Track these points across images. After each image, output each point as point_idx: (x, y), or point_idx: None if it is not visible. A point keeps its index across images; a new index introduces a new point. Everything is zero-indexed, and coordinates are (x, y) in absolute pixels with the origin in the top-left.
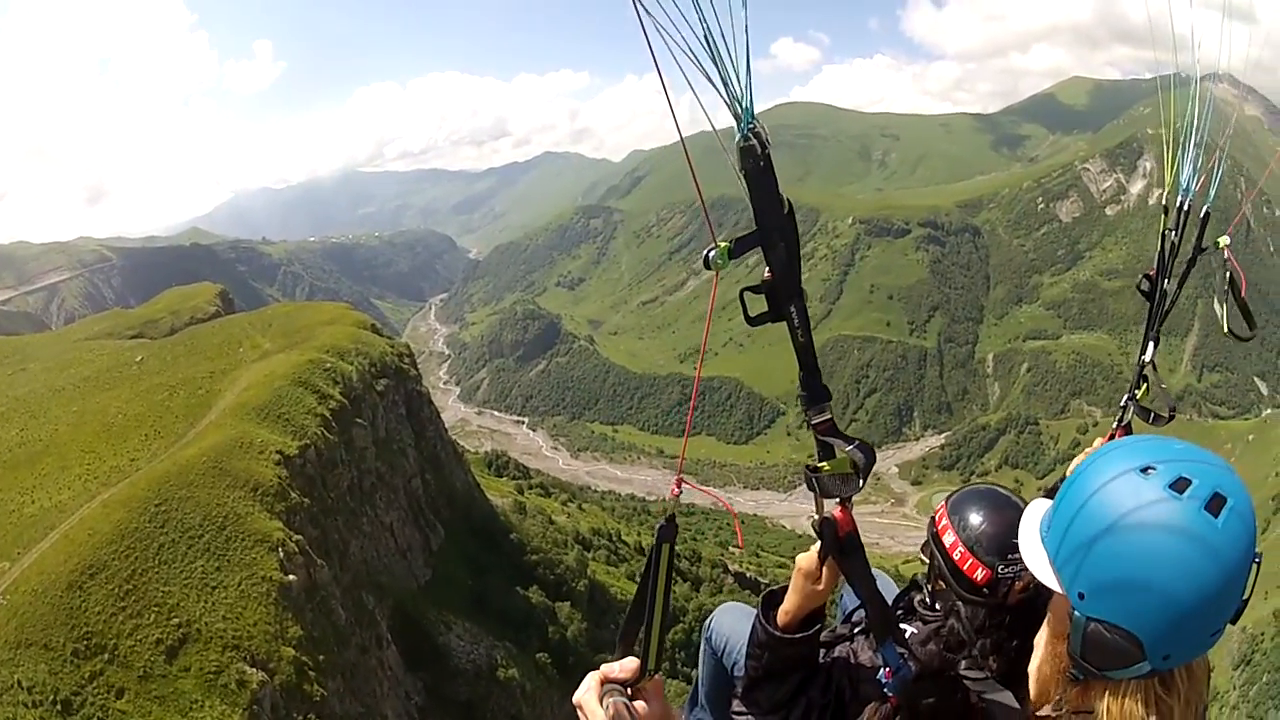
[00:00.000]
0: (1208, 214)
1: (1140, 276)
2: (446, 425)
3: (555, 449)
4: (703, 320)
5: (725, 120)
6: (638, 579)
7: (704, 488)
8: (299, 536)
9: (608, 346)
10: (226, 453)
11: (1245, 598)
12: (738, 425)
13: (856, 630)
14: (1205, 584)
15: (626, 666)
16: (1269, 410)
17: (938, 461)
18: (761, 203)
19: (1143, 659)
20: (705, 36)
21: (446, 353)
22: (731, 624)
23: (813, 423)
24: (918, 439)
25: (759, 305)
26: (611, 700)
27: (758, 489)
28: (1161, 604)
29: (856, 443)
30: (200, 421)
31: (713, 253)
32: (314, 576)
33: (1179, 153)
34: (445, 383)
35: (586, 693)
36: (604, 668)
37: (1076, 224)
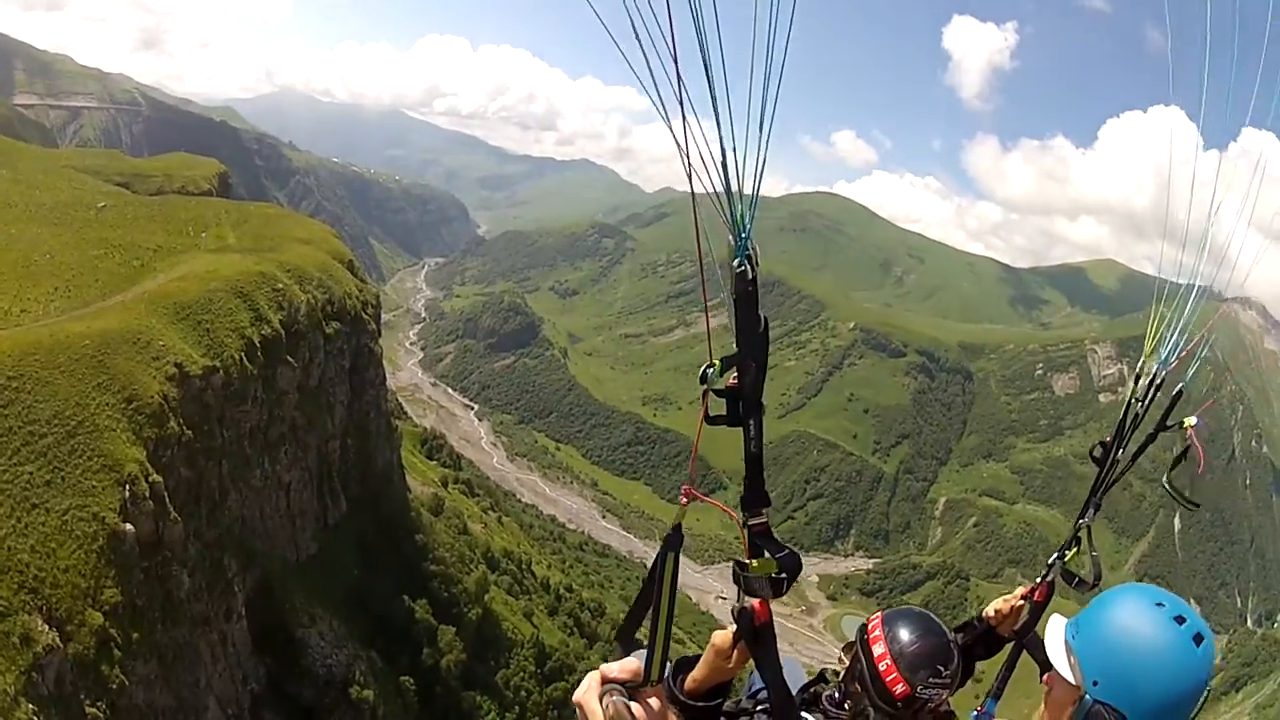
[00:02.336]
0: (1179, 393)
1: (1095, 443)
2: (398, 386)
3: (494, 445)
4: (677, 370)
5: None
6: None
7: (713, 500)
8: (157, 478)
9: (578, 365)
10: (115, 344)
11: (1200, 704)
12: (676, 485)
13: (758, 709)
14: (1181, 691)
15: (626, 667)
16: None
17: (860, 584)
18: (745, 322)
19: None
20: (722, 163)
21: (424, 316)
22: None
23: (749, 524)
24: (847, 556)
25: (717, 405)
26: (611, 700)
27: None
28: (1151, 697)
29: (786, 551)
30: (112, 295)
31: (710, 370)
32: (161, 532)
33: (1164, 325)
34: (412, 344)
35: (586, 692)
36: (603, 667)
37: (1068, 399)
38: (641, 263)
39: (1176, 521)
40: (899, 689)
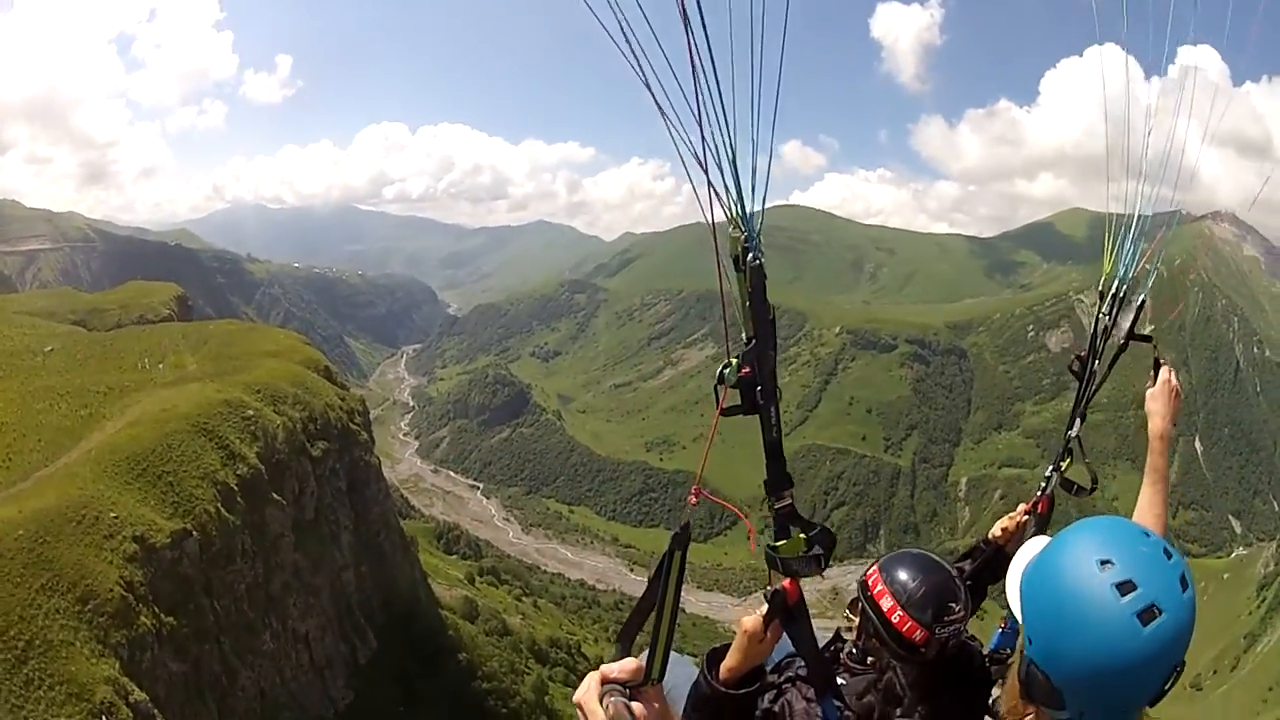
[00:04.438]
0: (1142, 303)
1: (1072, 357)
2: (399, 479)
3: (507, 520)
4: (674, 411)
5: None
6: None
7: (721, 500)
8: (140, 695)
9: (575, 424)
10: (57, 528)
11: (1165, 688)
12: (698, 523)
13: (784, 680)
14: (1113, 675)
15: (626, 666)
16: (1240, 549)
17: None
18: (759, 314)
19: (1062, 708)
20: (730, 159)
21: (412, 404)
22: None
23: (775, 507)
24: (880, 557)
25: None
26: (611, 700)
27: (711, 590)
28: (1077, 674)
29: (819, 528)
30: (56, 458)
31: (727, 369)
32: None
33: (1118, 240)
34: (405, 435)
35: (586, 693)
36: (604, 667)
37: (1065, 354)
38: (616, 311)
39: (1198, 444)
40: (917, 635)
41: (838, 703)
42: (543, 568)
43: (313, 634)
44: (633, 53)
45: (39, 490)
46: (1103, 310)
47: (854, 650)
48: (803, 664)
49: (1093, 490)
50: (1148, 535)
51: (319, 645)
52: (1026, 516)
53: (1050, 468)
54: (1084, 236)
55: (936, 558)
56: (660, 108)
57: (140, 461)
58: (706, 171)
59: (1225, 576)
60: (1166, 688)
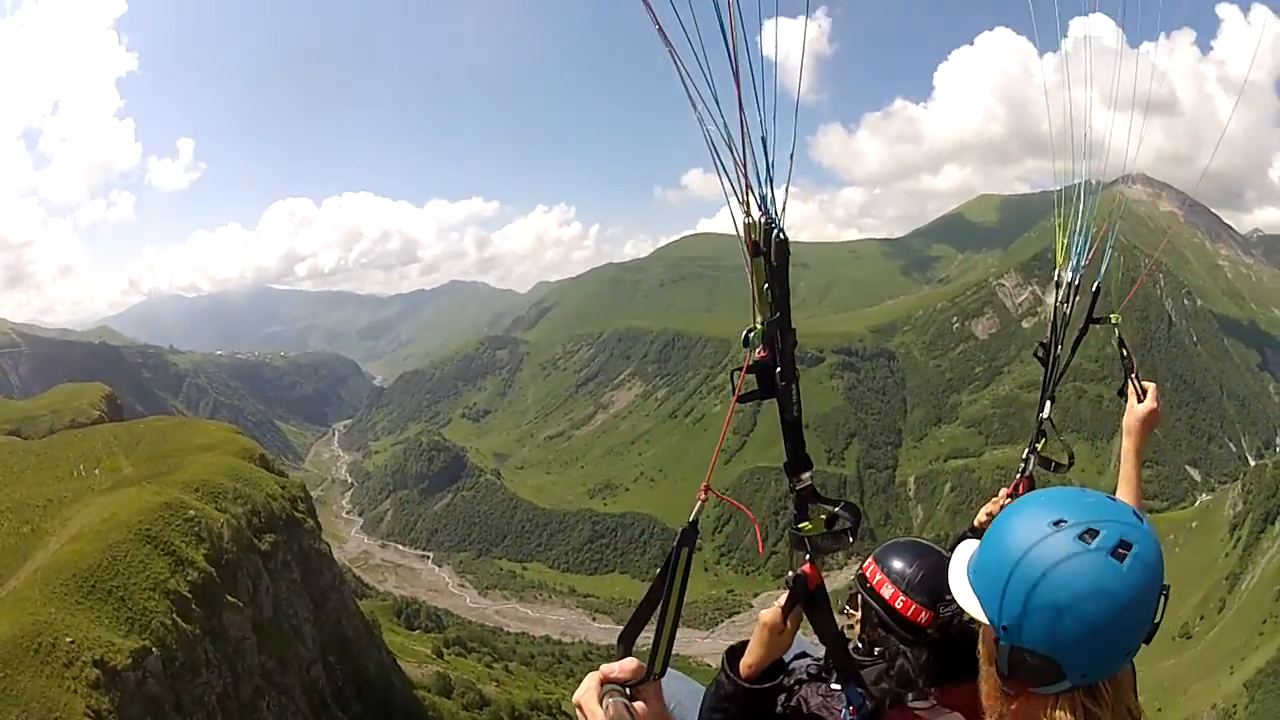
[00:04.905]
0: (1098, 288)
1: (1036, 344)
2: (349, 558)
3: (462, 586)
4: (611, 454)
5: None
6: None
7: (729, 499)
8: None
9: (514, 481)
10: (15, 659)
11: (1156, 621)
12: (651, 562)
13: (793, 682)
14: (1111, 619)
15: (626, 666)
16: (1204, 495)
17: None
18: (781, 290)
19: (1063, 678)
20: (747, 149)
21: (350, 481)
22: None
23: (796, 488)
24: (842, 568)
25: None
26: (611, 700)
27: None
28: (1075, 635)
29: (842, 504)
30: (4, 581)
31: (751, 334)
32: None
33: (1070, 232)
34: (348, 512)
35: (586, 693)
36: (604, 667)
37: (993, 340)
38: (540, 362)
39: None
40: (922, 616)
41: (860, 689)
42: (506, 629)
43: None
44: (665, 40)
45: None
46: (1059, 299)
47: (859, 645)
48: (811, 664)
49: (1070, 465)
50: (1084, 489)
51: None
52: (1009, 500)
53: (1027, 450)
54: (995, 221)
55: (927, 543)
56: (690, 94)
57: (88, 578)
58: (724, 154)
59: (1194, 525)
60: (1157, 620)
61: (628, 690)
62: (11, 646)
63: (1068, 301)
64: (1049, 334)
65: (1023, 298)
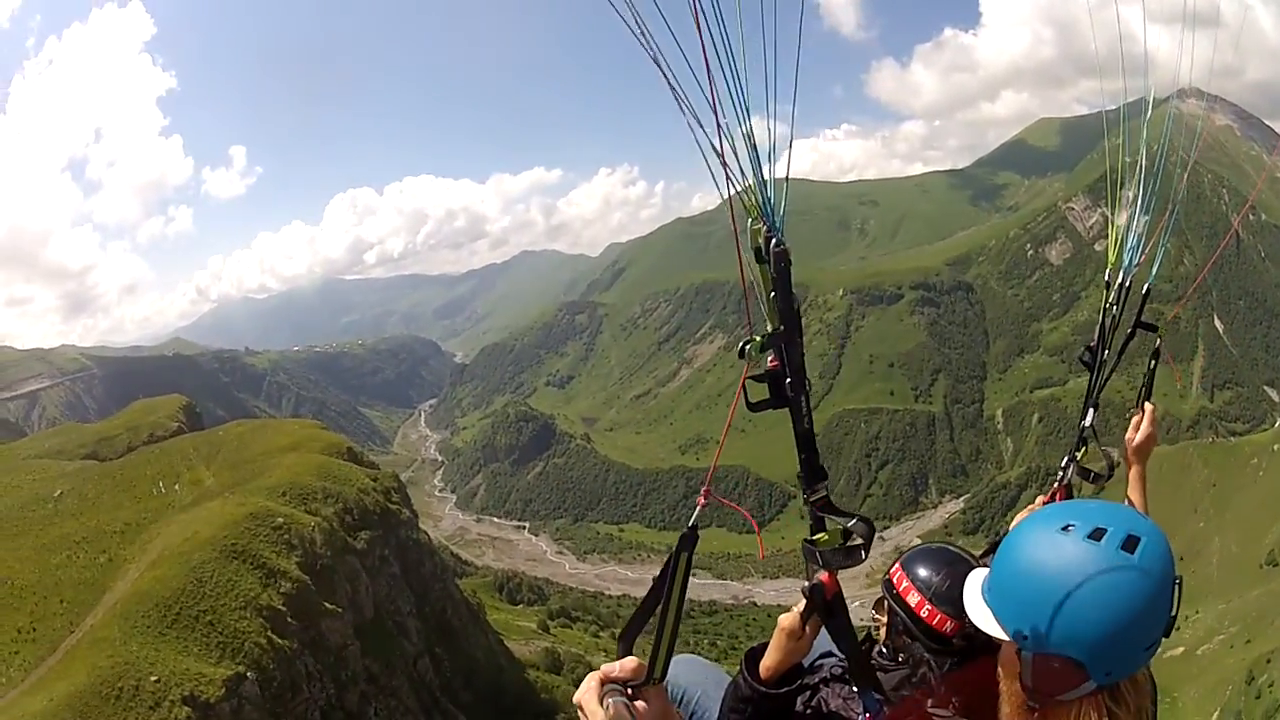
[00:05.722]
0: (1148, 290)
1: (1082, 348)
2: (445, 536)
3: (560, 553)
4: (699, 409)
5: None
6: None
7: (728, 502)
8: None
9: (605, 444)
10: (96, 710)
11: (1173, 614)
12: (744, 518)
13: (818, 680)
14: (1131, 611)
15: (626, 666)
16: None
17: (960, 527)
18: (784, 303)
19: (1088, 678)
20: (750, 149)
21: (440, 460)
22: (689, 674)
23: (810, 500)
24: (935, 506)
25: (757, 392)
26: (611, 700)
27: (778, 578)
28: (1096, 633)
29: (856, 517)
30: (81, 619)
31: (748, 346)
32: None
33: (1124, 231)
34: (441, 490)
35: (586, 693)
36: (604, 667)
37: (1068, 265)
38: (619, 323)
39: (1217, 323)
40: (947, 626)
41: (878, 695)
42: (607, 592)
43: None
44: (650, 43)
45: (65, 668)
46: (1109, 301)
47: (884, 649)
48: (835, 665)
49: (1110, 475)
50: (1085, 500)
51: None
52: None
53: (1066, 458)
54: (1057, 145)
55: (956, 549)
56: (679, 100)
57: (172, 606)
58: (724, 161)
59: (1275, 449)
60: (1174, 612)
61: (628, 690)
62: (90, 696)
63: (1118, 303)
64: (1095, 337)
65: (1093, 220)
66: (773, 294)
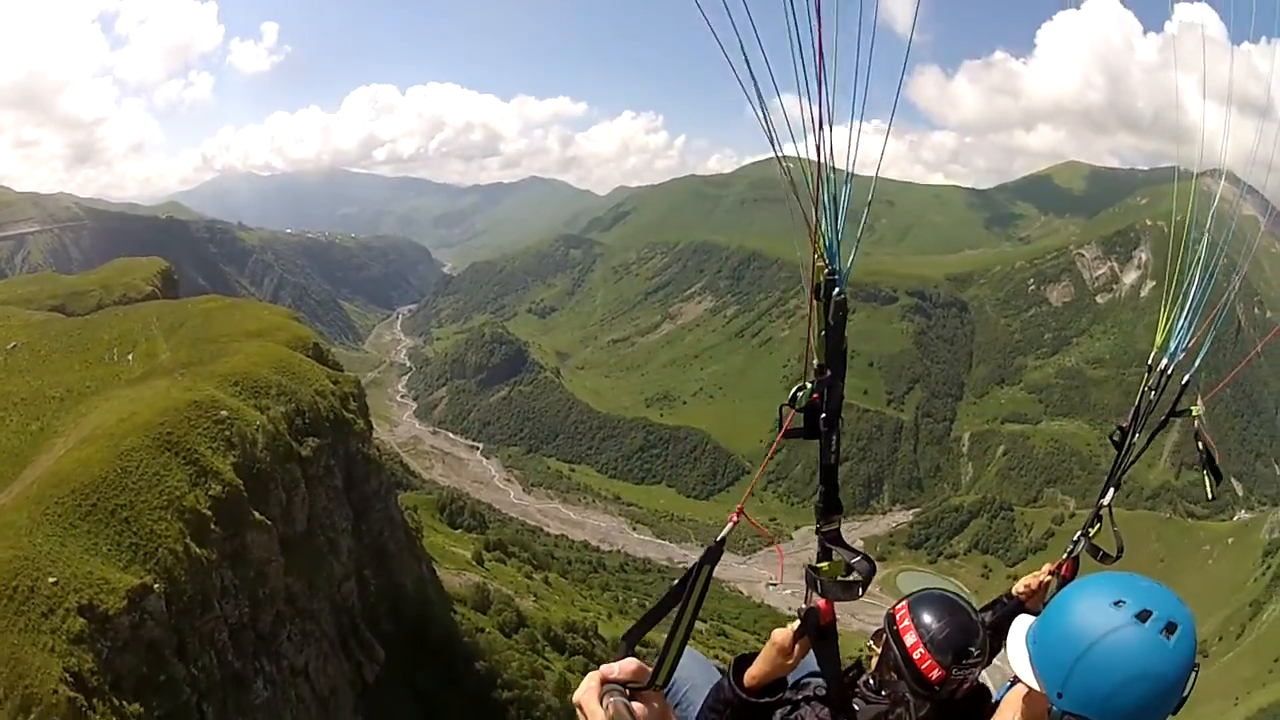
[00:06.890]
0: (1188, 381)
1: (1115, 428)
2: (399, 442)
3: (508, 481)
4: (673, 365)
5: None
6: None
7: (761, 527)
8: None
9: (573, 381)
10: None
11: (1185, 695)
12: (700, 479)
13: (801, 698)
14: (1160, 692)
15: (626, 667)
16: (1243, 512)
17: (905, 539)
18: (835, 346)
19: None
20: (827, 204)
21: (409, 366)
22: (682, 666)
23: (822, 530)
24: (885, 513)
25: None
26: (611, 700)
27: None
28: (1124, 702)
29: (861, 555)
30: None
31: (800, 393)
32: None
33: (1174, 315)
34: (403, 397)
35: (586, 692)
36: (604, 667)
37: (1066, 309)
38: (613, 265)
39: (1200, 405)
40: (934, 674)
41: None
42: (546, 529)
43: (311, 665)
44: (755, 86)
45: None
46: (1149, 385)
47: (871, 680)
48: (820, 686)
49: (1118, 558)
50: (1137, 575)
51: (320, 675)
52: (1050, 576)
53: (1079, 533)
54: (1082, 190)
55: (963, 602)
56: (772, 142)
57: (89, 495)
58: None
59: (1230, 541)
60: (1186, 694)
61: (628, 690)
62: None
63: (1157, 389)
64: (1129, 419)
65: (1101, 271)
66: (823, 334)
